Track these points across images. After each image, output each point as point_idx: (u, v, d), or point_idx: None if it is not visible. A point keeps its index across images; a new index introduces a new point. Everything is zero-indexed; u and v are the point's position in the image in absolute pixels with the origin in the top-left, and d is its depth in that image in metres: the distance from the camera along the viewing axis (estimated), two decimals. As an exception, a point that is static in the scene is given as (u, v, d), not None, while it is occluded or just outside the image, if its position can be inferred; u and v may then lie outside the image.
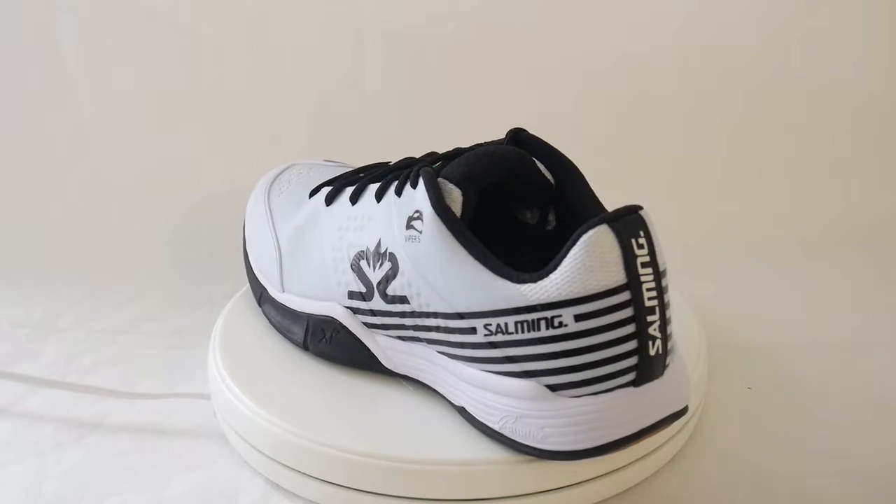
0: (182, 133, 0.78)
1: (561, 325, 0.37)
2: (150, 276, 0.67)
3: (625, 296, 0.36)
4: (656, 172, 0.77)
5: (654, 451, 0.44)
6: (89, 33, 0.77)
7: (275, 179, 0.55)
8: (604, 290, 0.36)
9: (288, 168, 0.56)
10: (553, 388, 0.38)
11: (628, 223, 0.36)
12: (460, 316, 0.39)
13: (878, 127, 0.78)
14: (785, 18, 0.79)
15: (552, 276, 0.36)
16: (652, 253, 0.37)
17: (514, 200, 0.44)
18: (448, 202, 0.40)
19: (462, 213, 0.40)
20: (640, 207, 0.37)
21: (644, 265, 0.36)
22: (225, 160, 0.77)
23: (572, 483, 0.42)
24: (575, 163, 0.44)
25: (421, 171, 0.41)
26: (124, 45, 0.78)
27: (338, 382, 0.46)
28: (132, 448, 0.47)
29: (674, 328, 0.39)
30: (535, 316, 0.37)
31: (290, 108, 0.78)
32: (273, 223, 0.51)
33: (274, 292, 0.49)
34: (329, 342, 0.47)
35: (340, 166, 0.56)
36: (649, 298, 0.36)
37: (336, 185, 0.48)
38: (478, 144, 0.44)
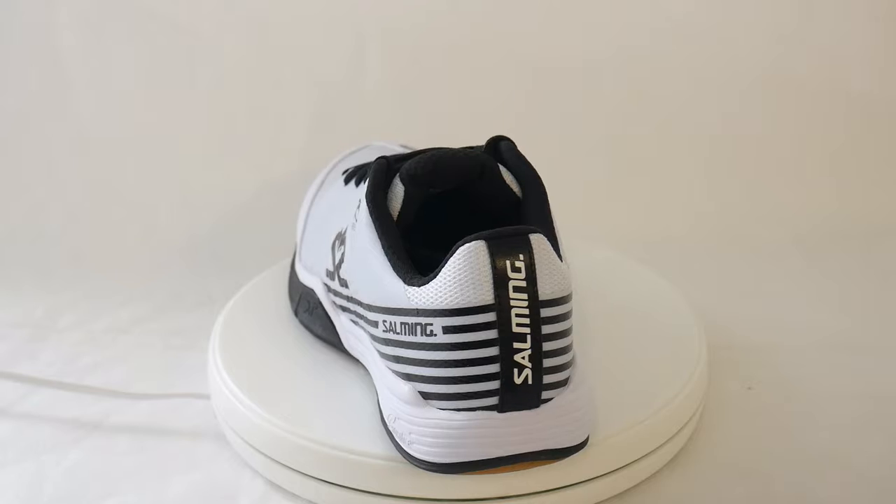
0: (182, 133, 0.78)
1: (432, 333, 0.36)
2: (150, 276, 0.67)
3: (490, 316, 0.35)
4: (656, 172, 0.77)
5: (654, 451, 0.44)
6: (89, 33, 0.77)
7: (345, 157, 0.55)
8: (470, 307, 0.35)
9: (361, 148, 0.56)
10: (424, 395, 0.37)
11: (509, 244, 0.35)
12: (369, 308, 0.40)
13: (878, 127, 0.78)
14: (785, 18, 0.79)
15: (431, 283, 0.36)
16: (530, 279, 0.35)
17: (480, 207, 0.43)
18: (391, 196, 0.40)
19: (402, 209, 0.40)
20: (533, 231, 0.36)
21: (518, 290, 0.35)
22: (225, 160, 0.77)
23: (572, 483, 0.42)
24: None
25: (373, 163, 0.42)
26: (124, 45, 0.78)
27: (338, 382, 0.46)
28: (132, 448, 0.47)
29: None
30: (413, 320, 0.37)
31: (290, 108, 0.78)
32: (315, 197, 0.53)
33: (296, 259, 0.52)
34: (310, 314, 0.49)
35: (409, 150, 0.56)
36: (518, 325, 0.35)
37: (353, 168, 0.49)
38: (465, 148, 0.43)
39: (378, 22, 0.78)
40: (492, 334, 0.35)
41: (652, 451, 0.44)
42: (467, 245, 0.36)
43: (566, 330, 0.37)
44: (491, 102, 0.78)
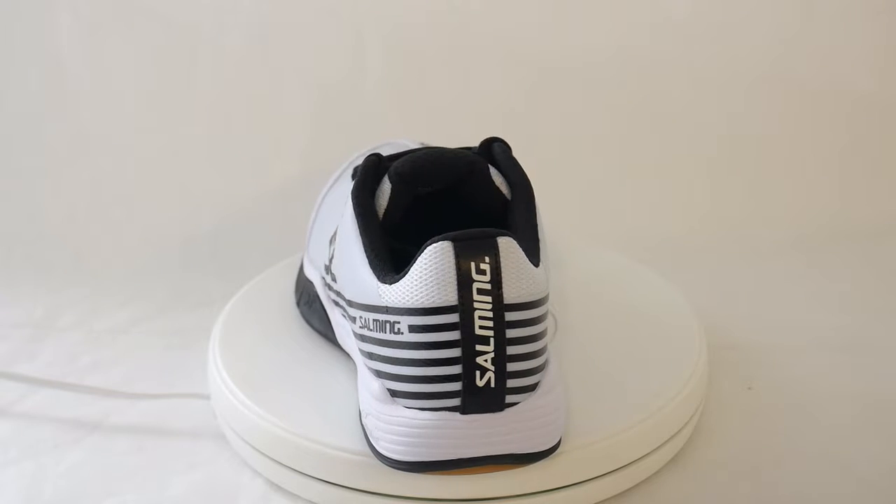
0: (182, 133, 0.78)
1: (399, 331, 0.36)
2: (150, 276, 0.67)
3: (453, 317, 0.35)
4: (656, 172, 0.77)
5: (654, 451, 0.44)
6: (89, 33, 0.77)
7: (363, 154, 0.55)
8: (434, 307, 0.35)
9: (382, 145, 0.56)
10: (392, 393, 0.38)
11: (475, 246, 0.35)
12: (349, 304, 0.40)
13: (878, 127, 0.78)
14: (786, 19, 0.79)
15: (400, 282, 0.36)
16: (496, 282, 0.35)
17: (470, 208, 0.43)
18: (378, 194, 0.41)
19: (388, 207, 0.41)
20: (502, 234, 0.36)
21: (482, 292, 0.35)
22: (225, 160, 0.77)
23: (572, 483, 0.42)
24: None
25: (364, 159, 0.42)
26: (124, 45, 0.78)
27: (338, 382, 0.46)
28: (132, 448, 0.47)
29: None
30: (383, 317, 0.37)
31: (290, 108, 0.78)
32: (327, 192, 0.53)
33: (305, 252, 0.52)
34: (309, 306, 0.49)
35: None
36: (482, 327, 0.35)
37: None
38: (460, 148, 0.44)
39: (378, 22, 0.78)
40: (454, 335, 0.35)
41: (652, 451, 0.44)
42: (434, 245, 0.36)
43: (535, 335, 0.37)
44: (491, 103, 0.78)
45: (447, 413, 0.37)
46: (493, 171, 0.42)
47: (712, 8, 0.79)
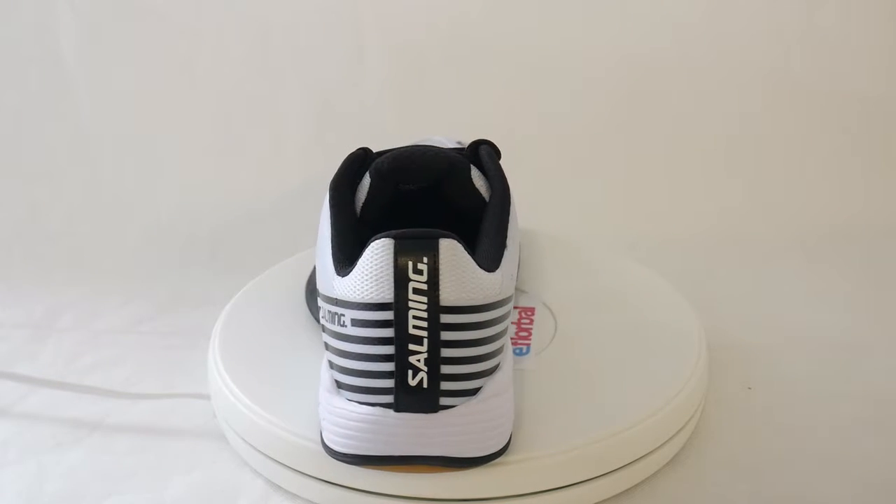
0: (182, 133, 0.78)
1: (344, 324, 0.37)
2: (150, 276, 0.67)
3: (388, 315, 0.36)
4: (656, 173, 0.77)
5: (654, 451, 0.44)
6: (89, 33, 0.77)
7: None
8: (372, 303, 0.36)
9: (418, 142, 0.56)
10: (338, 384, 0.38)
11: (415, 245, 0.35)
12: (318, 292, 0.40)
13: (879, 127, 0.78)
14: (785, 18, 0.79)
15: (349, 275, 0.37)
16: (432, 284, 0.35)
17: (451, 207, 0.43)
18: (359, 187, 0.41)
19: (367, 201, 0.41)
20: (445, 235, 0.36)
21: (417, 292, 0.35)
22: (225, 160, 0.77)
23: (572, 483, 0.42)
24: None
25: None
26: (124, 45, 0.78)
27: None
28: (132, 448, 0.47)
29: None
30: (334, 309, 0.37)
31: (290, 108, 0.78)
32: None
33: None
34: (311, 294, 0.50)
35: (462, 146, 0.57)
36: (415, 327, 0.35)
37: None
38: (449, 148, 0.44)
39: (378, 22, 0.79)
40: (389, 332, 0.36)
41: (652, 451, 0.44)
42: (376, 241, 0.36)
43: (477, 339, 0.37)
44: (491, 103, 0.78)
45: (381, 409, 0.37)
46: (475, 172, 0.42)
47: (713, 9, 0.79)
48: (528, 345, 0.48)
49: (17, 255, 0.69)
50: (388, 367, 0.36)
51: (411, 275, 0.35)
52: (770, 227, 0.73)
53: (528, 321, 0.50)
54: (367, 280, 0.36)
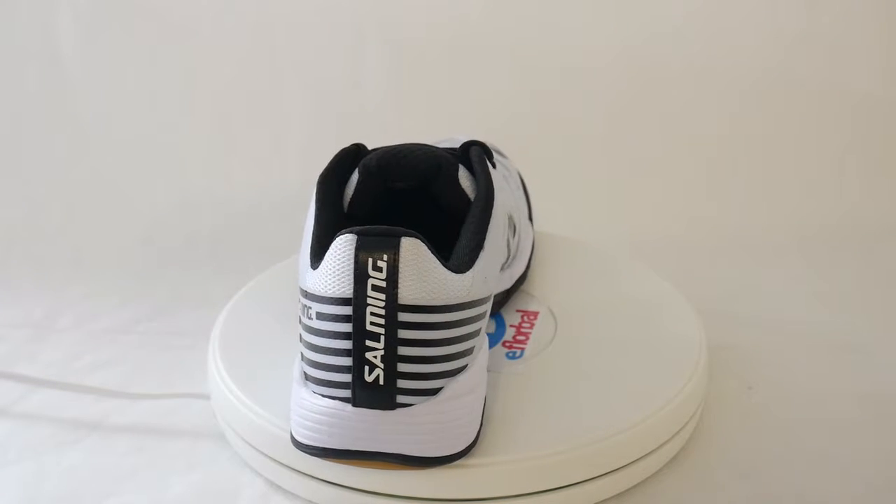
0: (182, 133, 0.78)
1: (311, 317, 0.37)
2: (150, 276, 0.67)
3: (347, 310, 0.36)
4: (656, 172, 0.77)
5: (654, 451, 0.44)
6: (89, 33, 0.77)
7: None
8: (333, 297, 0.36)
9: (441, 141, 0.57)
10: (305, 376, 0.38)
11: (376, 242, 0.36)
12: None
13: (878, 127, 0.78)
14: (785, 18, 0.79)
15: (317, 269, 0.37)
16: (391, 281, 0.35)
17: (440, 207, 0.43)
18: (348, 184, 0.42)
19: (354, 198, 0.42)
20: (408, 234, 0.36)
21: (376, 289, 0.35)
22: (225, 161, 0.77)
23: (572, 483, 0.42)
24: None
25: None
26: (124, 45, 0.78)
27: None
28: (132, 448, 0.47)
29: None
30: (304, 301, 0.38)
31: (290, 108, 0.78)
32: None
33: None
34: None
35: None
36: (373, 324, 0.36)
37: None
38: (438, 148, 0.44)
39: (378, 22, 0.79)
40: (347, 327, 0.36)
41: (652, 451, 0.44)
42: (340, 237, 0.36)
43: (438, 340, 0.37)
44: (492, 103, 0.78)
45: (340, 403, 0.37)
46: (464, 173, 0.42)
47: (713, 9, 0.79)
48: (523, 349, 0.48)
49: (17, 255, 0.69)
50: (348, 361, 0.36)
51: (370, 271, 0.36)
52: (770, 227, 0.73)
53: (528, 325, 0.50)
54: (330, 275, 0.36)
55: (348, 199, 0.42)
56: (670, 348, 0.48)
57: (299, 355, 0.40)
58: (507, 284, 0.51)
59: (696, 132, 0.78)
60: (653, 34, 0.79)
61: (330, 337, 0.36)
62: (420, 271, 0.36)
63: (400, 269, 0.35)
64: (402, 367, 0.36)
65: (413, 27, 0.79)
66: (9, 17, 0.77)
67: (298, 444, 0.39)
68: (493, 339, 0.49)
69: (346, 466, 0.41)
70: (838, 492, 0.44)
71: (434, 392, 0.37)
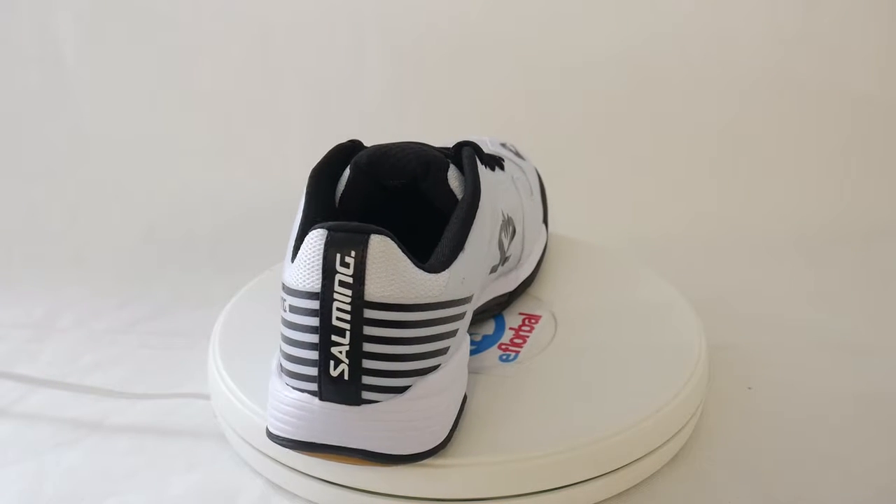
0: (182, 133, 0.78)
1: (286, 309, 0.38)
2: (150, 276, 0.67)
3: (315, 304, 0.36)
4: (656, 172, 0.77)
5: (654, 451, 0.44)
6: (89, 33, 0.77)
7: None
8: (302, 291, 0.37)
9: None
10: (280, 367, 0.39)
11: (346, 238, 0.36)
12: None
13: (878, 127, 0.78)
14: (784, 18, 0.79)
15: (294, 262, 0.37)
16: (358, 278, 0.36)
17: (428, 203, 0.44)
18: (340, 180, 0.43)
19: (344, 194, 0.42)
20: (378, 231, 0.36)
21: (343, 285, 0.36)
22: (225, 160, 0.77)
23: (572, 483, 0.42)
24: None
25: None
26: (124, 45, 0.78)
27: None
28: (132, 448, 0.47)
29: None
30: (282, 293, 0.38)
31: (290, 108, 0.78)
32: None
33: None
34: None
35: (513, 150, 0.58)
36: (339, 319, 0.36)
37: None
38: (428, 147, 0.44)
39: (378, 22, 0.79)
40: (314, 321, 0.36)
41: (652, 451, 0.44)
42: (313, 231, 0.36)
43: (407, 338, 0.37)
44: (492, 103, 0.78)
45: (308, 396, 0.37)
46: (454, 173, 0.42)
47: (712, 9, 0.79)
48: (518, 352, 0.48)
49: (17, 255, 0.69)
50: (312, 355, 0.37)
51: (338, 267, 0.36)
52: (770, 227, 0.73)
53: (528, 329, 0.50)
54: (302, 268, 0.37)
55: (339, 195, 0.43)
56: (670, 348, 0.48)
57: (279, 347, 0.40)
58: (510, 287, 0.51)
59: (696, 132, 0.78)
60: (653, 34, 0.79)
61: (300, 330, 0.37)
62: (388, 269, 0.36)
63: (367, 266, 0.36)
64: (368, 364, 0.36)
65: (413, 27, 0.79)
66: (9, 17, 0.77)
67: (270, 435, 0.39)
68: (490, 341, 0.49)
69: (346, 466, 0.41)
70: (838, 492, 0.44)
71: (401, 390, 0.37)
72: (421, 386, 0.38)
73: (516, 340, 0.49)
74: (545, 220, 0.57)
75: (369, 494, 0.41)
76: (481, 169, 0.42)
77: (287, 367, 0.38)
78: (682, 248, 0.70)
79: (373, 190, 0.43)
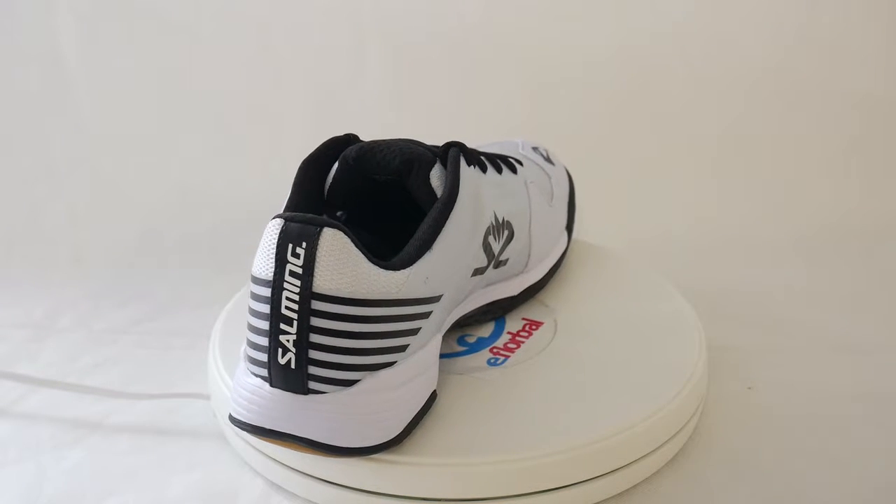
0: (182, 133, 0.78)
1: (249, 296, 0.38)
2: (150, 276, 0.67)
3: (267, 291, 0.37)
4: (657, 172, 0.77)
5: (654, 451, 0.44)
6: (89, 33, 0.77)
7: (482, 145, 0.56)
8: (259, 278, 0.37)
9: (491, 144, 0.57)
10: (245, 353, 0.39)
11: (299, 230, 0.36)
12: None
13: (878, 127, 0.78)
14: (785, 18, 0.79)
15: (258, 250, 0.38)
16: (307, 269, 0.36)
17: (413, 200, 0.44)
18: (331, 170, 0.43)
19: (332, 186, 0.43)
20: (331, 225, 0.36)
21: (293, 275, 0.36)
22: (225, 160, 0.77)
23: (572, 483, 0.42)
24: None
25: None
26: (124, 45, 0.78)
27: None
28: (132, 448, 0.47)
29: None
30: (250, 282, 0.39)
31: (290, 108, 0.78)
32: None
33: None
34: None
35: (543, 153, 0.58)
36: (287, 308, 0.37)
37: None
38: (419, 145, 0.44)
39: (378, 22, 0.79)
40: (266, 308, 0.37)
41: (652, 451, 0.44)
42: (271, 220, 0.37)
43: (356, 332, 0.37)
44: (492, 103, 0.78)
45: (261, 381, 0.38)
46: (437, 172, 0.42)
47: (713, 8, 0.79)
48: (508, 357, 0.48)
49: (17, 255, 0.69)
50: (261, 340, 0.38)
51: (289, 257, 0.36)
52: (770, 227, 0.73)
53: (525, 334, 0.50)
54: (260, 256, 0.37)
55: (327, 186, 0.43)
56: (670, 348, 0.48)
57: None
58: (513, 291, 0.51)
59: (696, 132, 0.78)
60: (653, 34, 0.79)
61: (256, 316, 0.38)
62: (339, 263, 0.36)
63: (317, 258, 0.36)
64: (314, 355, 0.37)
65: (413, 27, 0.79)
66: (9, 17, 0.77)
67: (231, 418, 0.40)
68: (484, 344, 0.49)
69: (345, 466, 0.41)
70: (838, 492, 0.44)
71: (349, 383, 0.38)
72: (370, 381, 0.38)
73: (510, 345, 0.49)
74: (569, 228, 0.56)
75: (369, 494, 0.41)
76: (468, 170, 0.43)
77: (248, 353, 0.39)
78: (683, 248, 0.70)
79: (363, 184, 0.43)
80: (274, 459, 0.43)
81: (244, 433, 0.45)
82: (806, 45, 0.78)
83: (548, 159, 0.57)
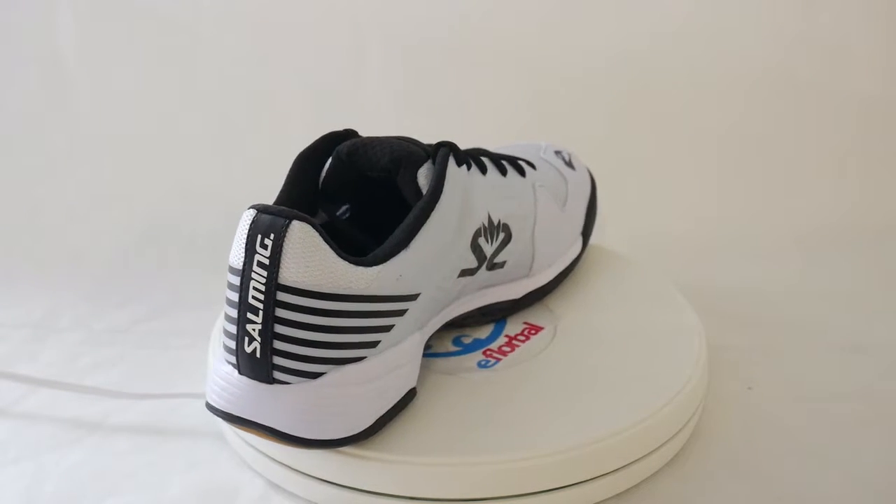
0: (182, 133, 0.78)
1: (226, 285, 0.39)
2: (150, 276, 0.67)
3: (237, 280, 0.38)
4: (657, 172, 0.77)
5: (654, 451, 0.44)
6: (89, 33, 0.77)
7: (502, 147, 0.56)
8: (232, 267, 0.38)
9: (512, 146, 0.57)
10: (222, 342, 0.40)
11: (269, 221, 0.37)
12: None
13: (879, 127, 0.78)
14: (785, 18, 0.79)
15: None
16: (274, 261, 0.37)
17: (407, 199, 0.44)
18: (324, 166, 0.44)
19: (325, 180, 0.44)
20: (301, 218, 0.37)
21: (260, 265, 0.37)
22: (225, 160, 0.77)
23: (572, 483, 0.42)
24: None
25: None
26: (124, 45, 0.78)
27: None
28: (132, 448, 0.47)
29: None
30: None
31: (290, 108, 0.78)
32: None
33: None
34: None
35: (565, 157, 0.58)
36: (254, 298, 0.37)
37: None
38: (414, 143, 0.45)
39: (378, 22, 0.78)
40: (235, 297, 0.38)
41: (652, 451, 0.44)
42: (246, 211, 0.38)
43: (321, 326, 0.38)
44: (492, 103, 0.78)
45: (231, 368, 0.39)
46: (425, 171, 0.42)
47: (713, 9, 0.79)
48: (500, 360, 0.48)
49: (17, 255, 0.69)
50: (231, 328, 0.38)
51: (258, 247, 0.37)
52: (771, 227, 0.73)
53: (523, 338, 0.50)
54: (234, 245, 0.38)
55: (321, 179, 0.44)
56: (670, 348, 0.48)
57: None
58: (515, 294, 0.50)
59: (696, 132, 0.78)
60: (653, 34, 0.79)
61: (228, 304, 0.38)
62: (306, 256, 0.37)
63: (283, 250, 0.37)
64: (278, 345, 0.37)
65: (413, 27, 0.79)
66: (9, 17, 0.77)
67: (206, 405, 0.40)
68: (478, 345, 0.49)
69: (345, 465, 0.41)
70: (838, 492, 0.44)
71: (314, 375, 0.38)
72: (336, 374, 0.38)
73: (505, 348, 0.49)
74: (585, 233, 0.56)
75: (369, 494, 0.41)
76: (456, 169, 0.43)
77: (223, 341, 0.39)
78: (683, 247, 0.70)
79: (356, 180, 0.44)
80: (274, 459, 0.43)
81: (244, 433, 0.45)
82: (806, 45, 0.78)
83: (569, 164, 0.56)
